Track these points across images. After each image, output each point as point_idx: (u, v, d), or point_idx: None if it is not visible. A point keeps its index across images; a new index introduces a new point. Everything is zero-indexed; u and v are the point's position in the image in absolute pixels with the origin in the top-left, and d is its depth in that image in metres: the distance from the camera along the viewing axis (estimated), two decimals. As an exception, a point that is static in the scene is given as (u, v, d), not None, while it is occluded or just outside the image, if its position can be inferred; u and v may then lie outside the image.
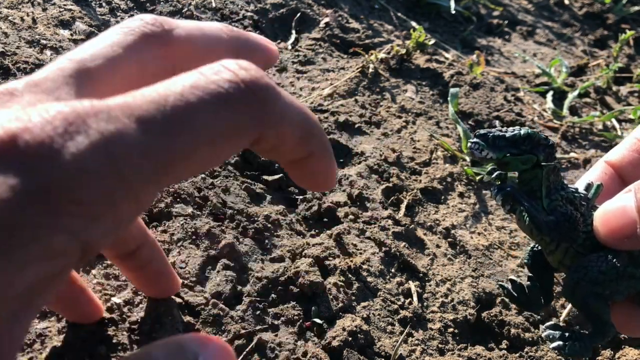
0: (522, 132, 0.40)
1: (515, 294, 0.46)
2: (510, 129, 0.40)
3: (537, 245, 0.43)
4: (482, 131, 0.40)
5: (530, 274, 0.46)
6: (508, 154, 0.40)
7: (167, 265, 0.41)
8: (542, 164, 0.40)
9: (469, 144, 0.40)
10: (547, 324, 0.43)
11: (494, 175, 0.43)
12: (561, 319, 0.51)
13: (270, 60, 0.34)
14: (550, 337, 0.43)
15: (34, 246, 0.19)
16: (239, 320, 0.43)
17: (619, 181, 0.45)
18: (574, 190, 0.41)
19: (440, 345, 0.46)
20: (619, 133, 0.80)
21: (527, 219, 0.40)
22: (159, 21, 0.30)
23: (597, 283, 0.40)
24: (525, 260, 0.46)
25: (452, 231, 0.57)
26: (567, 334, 0.42)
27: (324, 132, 0.29)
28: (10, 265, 0.18)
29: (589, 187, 0.42)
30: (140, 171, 0.21)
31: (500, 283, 0.47)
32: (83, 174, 0.20)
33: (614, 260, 0.40)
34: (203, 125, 0.22)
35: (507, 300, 0.48)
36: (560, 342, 0.42)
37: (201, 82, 0.23)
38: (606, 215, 0.40)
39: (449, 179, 0.63)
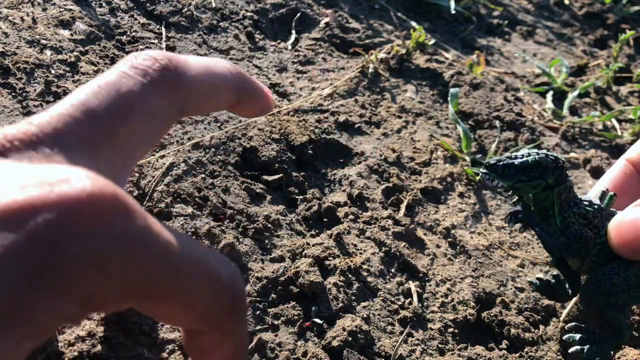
0: (530, 159, 0.42)
1: (544, 289, 0.50)
2: (520, 154, 0.42)
3: None
4: (491, 161, 0.43)
5: (556, 273, 0.50)
6: (518, 181, 0.42)
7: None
8: (552, 186, 0.42)
9: (480, 174, 0.43)
10: (569, 325, 0.45)
11: (509, 196, 0.44)
12: (561, 319, 0.51)
13: (266, 107, 0.35)
14: (570, 340, 0.45)
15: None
16: (239, 320, 0.43)
17: (639, 178, 0.46)
18: (587, 204, 0.43)
19: (440, 345, 0.46)
20: (619, 133, 0.80)
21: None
22: (173, 64, 0.28)
23: (610, 294, 0.43)
24: (553, 261, 0.49)
25: (452, 231, 0.57)
26: (585, 337, 0.44)
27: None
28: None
29: (603, 195, 0.44)
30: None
31: (530, 280, 0.52)
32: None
33: (627, 271, 0.43)
34: None
35: (537, 293, 0.53)
36: (578, 347, 0.44)
37: None
38: (619, 228, 0.41)
39: (449, 179, 0.63)
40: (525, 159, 0.42)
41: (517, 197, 0.45)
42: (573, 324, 0.45)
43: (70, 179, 0.20)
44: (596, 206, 0.43)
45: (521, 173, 0.42)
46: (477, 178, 0.64)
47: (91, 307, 0.20)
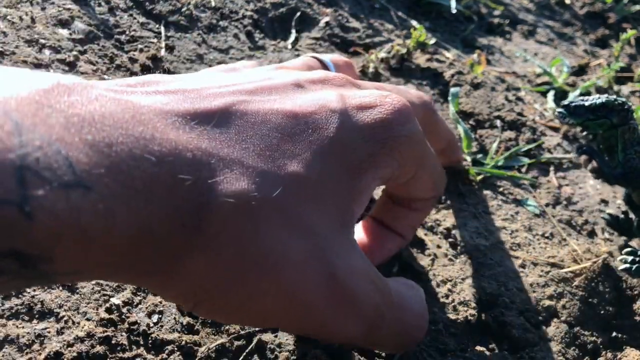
0: (598, 101, 0.49)
1: (613, 224, 0.58)
2: (591, 97, 0.49)
3: None
4: (565, 102, 0.50)
5: (625, 210, 0.57)
6: (587, 120, 0.49)
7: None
8: (617, 125, 0.49)
9: (556, 113, 0.51)
10: (625, 250, 0.53)
11: (583, 134, 0.53)
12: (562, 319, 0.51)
13: (457, 161, 0.59)
14: (623, 260, 0.52)
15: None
16: (239, 321, 0.43)
17: None
18: None
19: (440, 346, 0.46)
20: (620, 133, 0.80)
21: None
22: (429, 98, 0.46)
23: None
24: (623, 198, 0.57)
25: (453, 231, 0.57)
26: (637, 259, 0.51)
27: None
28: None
29: None
30: None
31: (602, 216, 0.60)
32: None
33: None
34: None
35: (609, 228, 0.59)
36: (628, 265, 0.51)
37: None
38: None
39: (449, 179, 0.63)
40: (594, 101, 0.49)
41: (591, 136, 0.52)
42: (630, 249, 0.53)
43: (391, 95, 0.34)
44: None
45: (589, 112, 0.49)
46: (479, 178, 0.64)
47: (402, 167, 0.34)
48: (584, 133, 0.53)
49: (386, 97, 0.34)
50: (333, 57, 0.45)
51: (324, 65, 0.43)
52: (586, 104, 0.49)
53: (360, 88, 0.36)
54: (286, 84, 0.32)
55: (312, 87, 0.33)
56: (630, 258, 0.52)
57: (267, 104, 0.29)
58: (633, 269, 0.51)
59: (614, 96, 0.50)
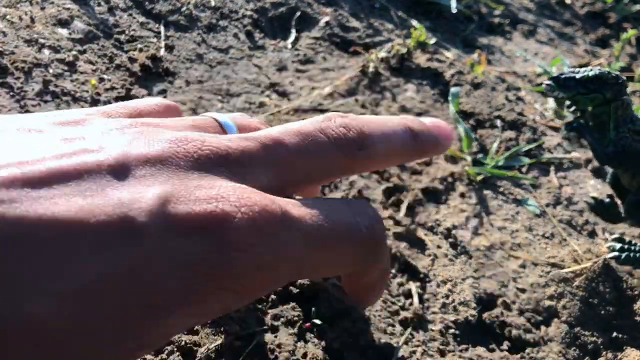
0: (591, 73, 0.45)
1: (597, 208, 0.56)
2: (583, 69, 0.45)
3: None
4: (555, 73, 0.47)
5: (610, 193, 0.55)
6: (577, 94, 0.45)
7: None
8: (610, 100, 0.45)
9: (543, 85, 0.46)
10: (613, 236, 0.52)
11: (571, 110, 0.49)
12: (562, 319, 0.51)
13: (446, 147, 0.36)
14: (611, 248, 0.51)
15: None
16: (239, 321, 0.43)
17: None
18: None
19: (441, 347, 0.45)
20: (621, 133, 0.80)
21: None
22: (356, 129, 0.30)
23: None
24: (608, 180, 0.53)
25: (453, 231, 0.57)
26: (625, 247, 0.50)
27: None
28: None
29: None
30: None
31: (586, 200, 0.57)
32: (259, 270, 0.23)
33: None
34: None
35: (594, 213, 0.58)
36: (616, 253, 0.50)
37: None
38: None
39: (449, 179, 0.63)
40: (586, 73, 0.45)
41: (579, 112, 0.48)
42: (617, 235, 0.51)
43: (249, 198, 0.23)
44: None
45: (581, 86, 0.44)
46: (479, 178, 0.64)
47: (246, 297, 0.24)
48: (572, 109, 0.49)
49: (239, 203, 0.23)
50: (236, 117, 0.31)
51: (223, 129, 0.30)
52: (577, 76, 0.45)
53: (224, 168, 0.24)
54: (102, 163, 0.21)
55: (138, 172, 0.22)
56: (618, 246, 0.50)
57: (41, 206, 0.19)
58: (622, 257, 0.49)
59: (607, 69, 0.46)
